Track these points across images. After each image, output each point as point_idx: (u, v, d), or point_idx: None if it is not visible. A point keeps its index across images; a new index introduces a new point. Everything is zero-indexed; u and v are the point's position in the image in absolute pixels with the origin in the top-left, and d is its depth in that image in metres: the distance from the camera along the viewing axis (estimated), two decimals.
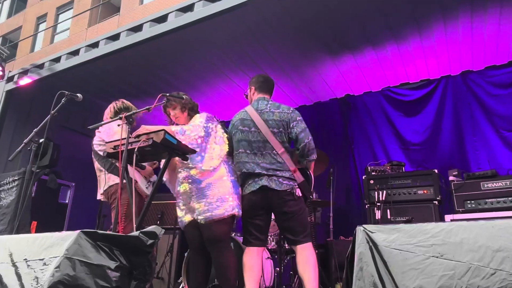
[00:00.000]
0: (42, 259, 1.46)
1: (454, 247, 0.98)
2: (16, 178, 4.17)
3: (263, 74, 2.99)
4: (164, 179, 2.83)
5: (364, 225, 1.11)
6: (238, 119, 2.74)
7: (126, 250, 1.49)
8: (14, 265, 1.51)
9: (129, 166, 3.03)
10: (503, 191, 3.18)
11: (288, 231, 2.53)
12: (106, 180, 3.21)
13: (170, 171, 2.84)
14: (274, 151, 2.55)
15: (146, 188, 3.23)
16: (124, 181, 2.53)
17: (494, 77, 4.22)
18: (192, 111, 2.90)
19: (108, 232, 1.65)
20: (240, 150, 2.64)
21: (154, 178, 3.28)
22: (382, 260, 1.03)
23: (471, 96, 4.29)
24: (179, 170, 2.77)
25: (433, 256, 0.98)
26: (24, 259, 1.51)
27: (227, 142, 2.82)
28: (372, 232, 1.09)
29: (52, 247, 1.48)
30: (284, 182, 2.50)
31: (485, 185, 3.26)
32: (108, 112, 3.16)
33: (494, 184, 3.24)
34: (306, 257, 2.44)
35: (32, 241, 1.61)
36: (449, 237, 1.01)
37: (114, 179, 3.24)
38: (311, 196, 2.80)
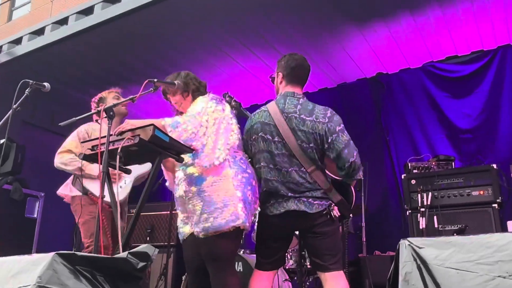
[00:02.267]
0: None
1: None
2: None
3: (296, 56, 2.81)
4: (167, 184, 2.86)
5: (409, 239, 1.10)
6: (258, 122, 2.65)
7: (111, 275, 1.49)
8: None
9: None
10: None
11: (316, 254, 2.50)
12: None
13: (169, 172, 2.85)
14: (302, 169, 2.50)
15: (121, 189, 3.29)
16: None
17: None
18: (198, 92, 2.85)
19: (88, 253, 1.66)
20: (262, 164, 2.61)
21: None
22: (434, 283, 1.03)
23: None
24: (176, 169, 2.78)
25: (499, 276, 0.97)
26: None
27: (236, 130, 2.78)
28: (420, 248, 1.07)
29: (21, 273, 1.49)
30: (315, 202, 2.46)
31: None
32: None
33: None
34: None
35: None
36: None
37: (76, 191, 3.46)
38: (350, 215, 2.78)
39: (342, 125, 2.56)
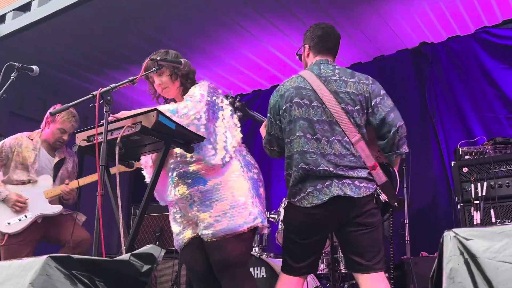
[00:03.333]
0: None
1: None
2: None
3: (323, 24, 2.86)
4: (146, 181, 2.86)
5: (455, 229, 1.10)
6: (291, 87, 2.63)
7: (112, 280, 1.52)
8: None
9: None
10: None
11: (358, 251, 2.46)
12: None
13: (150, 169, 2.88)
14: (345, 138, 2.47)
15: (8, 224, 3.60)
16: None
17: None
18: (186, 79, 2.86)
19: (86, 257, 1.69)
20: (298, 134, 2.53)
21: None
22: (485, 279, 1.02)
23: None
24: (170, 166, 2.78)
25: None
26: None
27: (238, 127, 2.79)
28: (467, 239, 1.07)
29: (11, 279, 1.53)
30: (361, 185, 2.43)
31: None
32: None
33: None
34: None
35: None
36: None
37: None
38: (396, 203, 2.73)
39: (385, 91, 2.59)
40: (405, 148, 2.54)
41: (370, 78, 2.62)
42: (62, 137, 3.81)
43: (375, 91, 2.53)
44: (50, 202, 3.75)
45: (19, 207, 3.61)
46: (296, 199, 2.52)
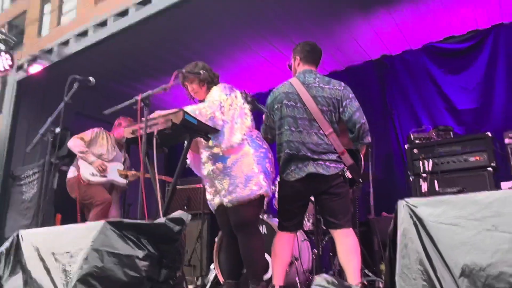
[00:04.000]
0: (69, 252, 1.53)
1: (511, 218, 0.96)
2: (36, 170, 4.37)
3: (309, 42, 2.86)
4: (188, 161, 2.88)
5: (406, 199, 1.10)
6: (281, 92, 2.65)
7: (153, 238, 1.55)
8: (41, 259, 1.60)
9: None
10: None
11: (331, 213, 2.51)
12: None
13: (192, 153, 2.88)
14: (321, 131, 2.49)
15: (92, 175, 3.87)
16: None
17: None
18: (212, 83, 2.88)
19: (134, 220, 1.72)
20: (285, 128, 2.57)
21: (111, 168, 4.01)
22: (428, 236, 1.03)
23: None
24: (201, 150, 2.81)
25: (486, 230, 0.97)
26: (51, 253, 1.59)
27: (249, 116, 2.81)
28: (415, 207, 1.08)
29: (78, 239, 1.55)
30: (331, 165, 2.46)
31: None
32: None
33: None
34: (349, 245, 2.45)
35: (57, 234, 1.70)
36: (504, 207, 0.99)
37: (70, 172, 3.99)
38: (360, 180, 2.78)
39: (353, 95, 2.59)
40: (368, 139, 2.56)
41: (342, 84, 2.61)
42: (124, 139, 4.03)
43: (345, 95, 2.54)
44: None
45: (102, 169, 3.88)
46: (284, 174, 2.58)
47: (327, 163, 2.46)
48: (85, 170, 3.86)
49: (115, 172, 3.98)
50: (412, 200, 1.10)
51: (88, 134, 4.00)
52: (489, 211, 0.99)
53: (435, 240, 1.02)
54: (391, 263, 1.08)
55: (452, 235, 1.00)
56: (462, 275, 0.94)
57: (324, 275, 1.18)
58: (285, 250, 2.62)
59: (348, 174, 2.51)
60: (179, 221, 1.60)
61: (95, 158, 3.93)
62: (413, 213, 1.08)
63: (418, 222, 1.06)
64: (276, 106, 2.64)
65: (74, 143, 3.89)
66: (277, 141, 2.66)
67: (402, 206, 1.10)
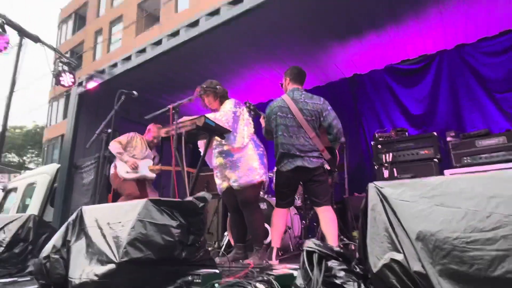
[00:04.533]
0: (120, 222, 1.55)
1: (453, 196, 0.96)
2: (93, 161, 4.38)
3: (297, 66, 2.86)
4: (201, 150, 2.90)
5: (374, 182, 1.10)
6: (276, 106, 2.68)
7: (183, 212, 1.56)
8: (99, 227, 1.62)
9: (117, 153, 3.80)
10: (496, 147, 3.04)
11: (314, 195, 2.56)
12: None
13: (202, 148, 2.89)
14: (306, 135, 2.52)
15: (127, 172, 3.80)
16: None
17: (487, 48, 3.93)
18: (223, 98, 2.90)
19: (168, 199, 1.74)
20: (279, 134, 2.61)
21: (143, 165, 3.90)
22: (391, 210, 1.03)
23: (465, 66, 4.03)
24: (214, 147, 2.83)
25: (434, 205, 0.97)
26: (107, 223, 1.61)
27: (252, 125, 2.85)
28: (382, 188, 1.08)
29: (127, 212, 1.57)
30: (314, 160, 2.50)
31: (480, 143, 3.12)
32: None
33: (488, 141, 3.09)
34: (327, 218, 2.49)
35: (111, 208, 1.71)
36: (447, 188, 0.99)
37: (111, 169, 3.92)
38: (336, 169, 2.83)
39: (331, 107, 2.63)
40: (342, 139, 2.62)
41: (321, 99, 2.64)
42: (153, 141, 4.06)
43: (324, 108, 2.58)
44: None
45: (134, 167, 3.80)
46: (279, 166, 2.64)
47: (311, 158, 2.50)
48: (121, 168, 3.80)
49: (146, 168, 3.90)
50: (379, 183, 1.11)
51: (124, 138, 3.93)
52: (437, 191, 1.00)
53: (396, 213, 1.02)
54: (363, 231, 1.09)
55: (409, 209, 1.00)
56: (417, 239, 0.94)
57: (313, 240, 1.18)
58: (281, 222, 2.65)
59: (326, 166, 2.57)
60: (203, 199, 1.61)
61: (129, 158, 3.85)
62: (380, 192, 1.08)
63: (384, 199, 1.06)
64: (272, 116, 2.68)
65: (113, 146, 3.82)
66: (274, 142, 2.70)
67: (372, 187, 1.11)
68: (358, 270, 1.08)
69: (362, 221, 1.14)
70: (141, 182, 3.94)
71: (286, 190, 2.67)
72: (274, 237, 2.62)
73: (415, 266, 0.91)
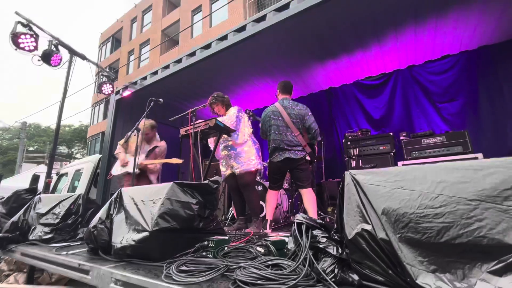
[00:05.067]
0: (152, 200, 1.53)
1: (410, 181, 0.96)
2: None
3: (285, 81, 2.81)
4: (211, 148, 2.88)
5: (350, 171, 1.10)
6: (270, 111, 2.69)
7: (201, 192, 1.55)
8: (135, 204, 1.60)
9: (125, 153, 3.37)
10: (437, 144, 3.07)
11: (298, 180, 2.57)
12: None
13: (212, 143, 2.88)
14: (292, 133, 2.53)
15: (115, 171, 3.34)
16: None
17: (431, 68, 3.96)
18: (228, 105, 2.89)
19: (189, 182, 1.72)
20: (272, 132, 2.62)
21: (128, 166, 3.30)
22: (362, 191, 1.03)
23: (414, 82, 4.06)
24: (221, 142, 2.81)
25: (396, 188, 0.97)
26: (141, 200, 1.59)
27: (250, 127, 2.84)
28: (355, 175, 1.07)
29: (157, 192, 1.55)
30: (298, 153, 2.52)
31: (425, 141, 3.15)
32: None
33: (431, 140, 3.12)
34: (309, 197, 2.50)
35: (144, 189, 1.69)
36: (406, 175, 0.99)
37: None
38: (315, 160, 2.85)
39: (311, 113, 2.62)
40: (318, 138, 2.64)
41: (305, 106, 2.64)
42: (147, 135, 3.51)
43: (306, 113, 2.58)
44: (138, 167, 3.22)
45: (123, 164, 3.33)
46: (271, 158, 2.64)
47: (296, 151, 2.51)
48: (114, 166, 3.41)
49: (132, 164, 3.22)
50: (353, 171, 1.10)
51: (123, 139, 3.49)
52: (397, 177, 1.00)
53: (366, 193, 1.02)
54: (340, 207, 1.08)
55: (376, 191, 1.00)
56: (382, 213, 0.94)
57: (301, 214, 1.18)
58: (273, 200, 2.66)
59: (307, 157, 2.57)
60: (216, 182, 1.60)
61: (123, 156, 3.34)
62: (353, 178, 1.08)
63: (357, 183, 1.06)
64: (267, 119, 2.69)
65: (117, 147, 3.44)
66: (268, 138, 2.70)
67: (347, 174, 1.10)
68: (336, 237, 1.08)
69: (339, 200, 1.13)
70: (137, 176, 3.27)
71: (277, 176, 2.68)
72: (268, 211, 2.63)
73: (381, 234, 0.91)
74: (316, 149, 2.84)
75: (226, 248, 1.43)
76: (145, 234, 1.36)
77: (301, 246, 1.08)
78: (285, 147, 2.52)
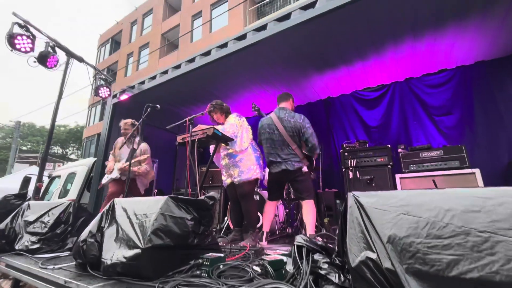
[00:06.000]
0: (145, 214, 1.46)
1: (417, 207, 0.92)
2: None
3: (284, 92, 2.77)
4: (211, 151, 2.82)
5: (353, 192, 1.05)
6: (265, 123, 2.61)
7: (196, 208, 1.48)
8: (128, 217, 1.53)
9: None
10: (435, 158, 3.05)
11: (298, 191, 2.50)
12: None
13: (216, 153, 2.82)
14: (289, 147, 2.47)
15: (104, 179, 3.23)
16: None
17: (428, 81, 3.98)
18: (227, 113, 2.83)
19: (185, 197, 1.66)
20: (267, 145, 2.56)
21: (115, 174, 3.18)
22: (366, 215, 0.98)
23: (412, 95, 4.07)
24: (222, 150, 2.75)
25: (402, 213, 0.92)
26: (134, 213, 1.52)
27: (251, 131, 2.78)
28: (358, 197, 1.02)
29: (151, 206, 1.49)
30: (295, 164, 2.45)
31: (423, 154, 3.13)
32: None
33: (429, 153, 3.10)
34: (307, 209, 2.43)
35: (138, 202, 1.62)
36: (412, 200, 0.94)
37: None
38: (312, 172, 2.78)
39: (309, 124, 2.51)
40: (316, 152, 2.51)
41: (302, 117, 2.52)
42: (125, 131, 3.37)
43: (303, 125, 2.47)
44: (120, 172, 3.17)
45: (109, 171, 3.25)
46: (270, 168, 2.58)
47: (293, 163, 2.44)
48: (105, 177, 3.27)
49: (116, 171, 3.20)
50: (356, 193, 1.05)
51: (113, 147, 3.39)
52: (403, 202, 0.95)
53: (370, 218, 0.97)
54: (343, 230, 1.03)
55: (381, 216, 0.96)
56: (388, 241, 0.89)
57: (302, 235, 1.12)
58: (270, 211, 2.60)
59: (304, 169, 2.49)
60: (212, 198, 1.54)
61: (110, 164, 3.25)
62: (357, 200, 1.03)
63: (360, 206, 1.01)
64: (262, 131, 2.63)
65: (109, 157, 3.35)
66: (264, 150, 2.64)
67: (350, 196, 1.05)
68: (337, 261, 1.03)
69: (341, 221, 1.08)
70: (120, 181, 3.20)
71: (275, 187, 2.63)
72: (265, 223, 2.56)
73: (386, 264, 0.86)
74: (314, 161, 2.77)
75: (221, 266, 1.36)
76: (137, 251, 1.29)
77: (300, 270, 1.03)
78: (280, 160, 2.48)
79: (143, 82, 4.28)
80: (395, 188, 3.11)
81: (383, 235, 0.90)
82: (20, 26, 3.41)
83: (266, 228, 2.55)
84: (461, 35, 3.11)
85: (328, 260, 1.02)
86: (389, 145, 3.46)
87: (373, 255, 0.88)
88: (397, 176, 3.08)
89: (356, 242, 0.94)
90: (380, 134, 4.19)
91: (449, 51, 3.46)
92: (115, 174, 3.21)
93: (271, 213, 2.60)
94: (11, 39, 3.30)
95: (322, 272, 0.97)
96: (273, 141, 2.53)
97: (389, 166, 3.33)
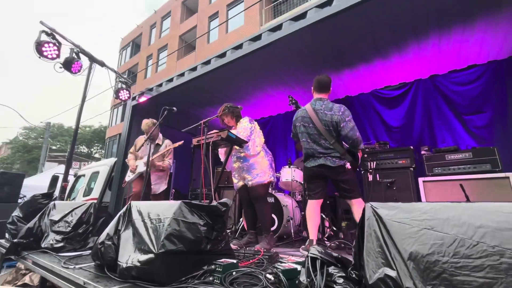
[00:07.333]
0: (160, 218, 1.48)
1: (442, 222, 0.84)
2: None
3: (318, 76, 2.41)
4: (221, 159, 2.81)
5: (371, 203, 0.99)
6: (300, 116, 2.41)
7: (209, 213, 1.48)
8: (143, 221, 1.56)
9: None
10: (463, 160, 2.85)
11: (344, 191, 2.26)
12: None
13: (225, 155, 2.81)
14: (327, 141, 2.25)
15: (128, 176, 3.34)
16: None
17: (456, 78, 3.73)
18: (238, 116, 2.81)
19: (198, 202, 1.66)
20: (303, 140, 2.39)
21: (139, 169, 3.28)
22: (385, 229, 0.92)
23: (437, 92, 3.84)
24: (233, 154, 2.74)
25: (425, 228, 0.86)
26: (149, 217, 1.54)
27: (262, 136, 2.73)
28: (377, 208, 0.96)
29: (165, 210, 1.50)
30: (336, 160, 2.23)
31: (449, 157, 2.94)
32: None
33: (456, 156, 2.91)
34: (359, 209, 2.19)
35: (153, 205, 1.64)
36: (437, 214, 0.87)
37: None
38: (358, 168, 2.50)
39: (350, 117, 2.24)
40: (360, 147, 2.26)
41: (341, 110, 2.26)
42: (149, 134, 3.43)
43: (342, 119, 2.21)
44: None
45: (132, 169, 3.36)
46: (306, 163, 2.38)
47: (333, 159, 2.22)
48: (127, 173, 3.38)
49: (142, 165, 3.31)
50: (374, 204, 0.99)
51: (133, 146, 3.48)
52: (427, 215, 0.88)
53: (390, 232, 0.91)
54: (360, 242, 0.98)
55: (402, 230, 0.89)
56: (409, 259, 0.83)
57: (316, 246, 1.08)
58: (314, 214, 2.29)
59: (348, 166, 2.25)
60: (225, 204, 1.53)
61: (131, 162, 3.35)
62: (375, 212, 0.97)
63: (379, 218, 0.95)
64: (297, 124, 2.44)
65: (128, 155, 3.47)
66: (301, 144, 2.45)
67: (368, 207, 0.99)
68: (354, 275, 0.97)
69: (359, 233, 1.02)
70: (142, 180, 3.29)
71: (313, 183, 2.37)
72: (311, 231, 2.24)
73: (407, 283, 0.80)
74: (359, 156, 2.41)
75: (234, 273, 1.35)
76: (151, 256, 1.30)
77: (314, 283, 0.98)
78: (319, 154, 2.25)
79: (160, 85, 4.38)
80: (417, 192, 2.95)
81: (404, 251, 0.84)
82: (47, 34, 3.61)
83: (313, 236, 2.22)
84: (494, 27, 2.88)
85: (344, 274, 0.97)
86: (412, 147, 3.28)
87: (392, 273, 0.82)
88: (420, 180, 2.91)
89: (374, 257, 0.88)
90: (402, 134, 3.99)
91: (480, 45, 3.22)
92: (141, 169, 3.28)
93: (314, 215, 2.28)
94: (39, 46, 3.50)
95: (337, 287, 0.92)
96: (308, 135, 2.31)
97: (411, 168, 3.16)
